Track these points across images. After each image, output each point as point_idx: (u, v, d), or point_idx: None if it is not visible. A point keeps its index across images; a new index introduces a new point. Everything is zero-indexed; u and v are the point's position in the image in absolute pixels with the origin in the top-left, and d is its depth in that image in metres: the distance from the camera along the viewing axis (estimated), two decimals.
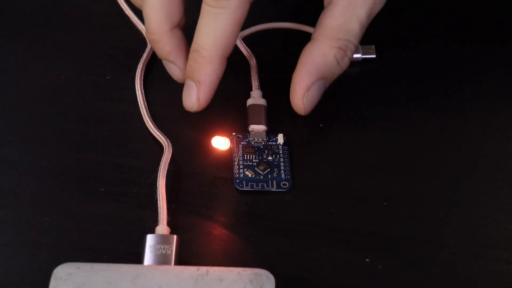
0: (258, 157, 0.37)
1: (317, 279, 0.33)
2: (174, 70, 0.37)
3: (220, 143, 0.36)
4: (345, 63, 0.37)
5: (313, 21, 0.39)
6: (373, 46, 0.41)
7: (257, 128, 0.38)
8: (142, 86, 0.40)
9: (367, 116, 0.39)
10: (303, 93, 0.36)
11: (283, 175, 0.36)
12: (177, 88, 0.37)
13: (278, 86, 0.40)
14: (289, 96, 0.36)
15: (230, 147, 0.37)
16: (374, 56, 0.42)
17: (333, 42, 0.36)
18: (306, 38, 0.40)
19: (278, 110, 0.38)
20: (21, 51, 0.42)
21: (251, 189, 0.36)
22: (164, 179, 0.35)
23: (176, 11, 0.36)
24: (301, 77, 0.36)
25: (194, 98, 0.35)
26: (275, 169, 0.36)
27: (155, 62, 0.41)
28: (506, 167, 0.37)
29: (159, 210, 0.34)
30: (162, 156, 0.36)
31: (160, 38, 0.36)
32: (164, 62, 0.37)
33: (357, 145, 0.38)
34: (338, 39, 0.36)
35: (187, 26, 0.37)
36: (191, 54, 0.35)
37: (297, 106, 0.36)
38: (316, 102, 0.36)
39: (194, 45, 0.35)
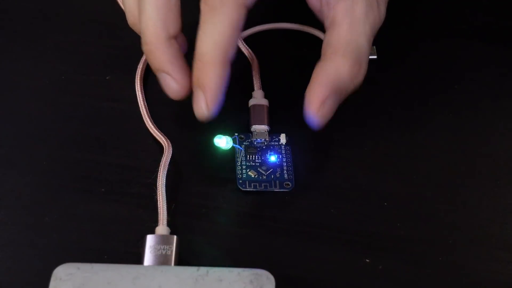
0: (261, 157, 0.37)
1: (317, 279, 0.33)
2: (170, 82, 0.35)
3: (222, 142, 0.36)
4: (358, 81, 0.36)
5: (314, 22, 0.39)
6: (374, 47, 0.41)
7: (260, 128, 0.38)
8: (142, 86, 0.40)
9: (368, 117, 0.39)
10: (318, 105, 0.34)
11: (285, 175, 0.36)
12: None
13: (280, 86, 0.40)
14: (304, 110, 0.35)
15: (231, 146, 0.37)
16: (375, 57, 0.41)
17: (346, 59, 0.35)
18: (307, 38, 0.41)
19: (281, 110, 0.38)
20: (21, 51, 0.42)
21: (254, 190, 0.36)
22: (164, 179, 0.35)
23: (173, 21, 0.35)
24: (315, 90, 0.35)
25: (203, 105, 0.34)
26: (278, 169, 0.36)
27: None
28: (506, 167, 0.37)
29: (159, 210, 0.34)
30: (162, 156, 0.36)
31: (156, 48, 0.35)
32: (160, 76, 0.36)
33: (357, 145, 0.38)
34: (351, 54, 0.35)
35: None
36: (194, 64, 0.35)
37: (312, 119, 0.35)
38: (330, 117, 0.35)
39: (196, 55, 0.35)
